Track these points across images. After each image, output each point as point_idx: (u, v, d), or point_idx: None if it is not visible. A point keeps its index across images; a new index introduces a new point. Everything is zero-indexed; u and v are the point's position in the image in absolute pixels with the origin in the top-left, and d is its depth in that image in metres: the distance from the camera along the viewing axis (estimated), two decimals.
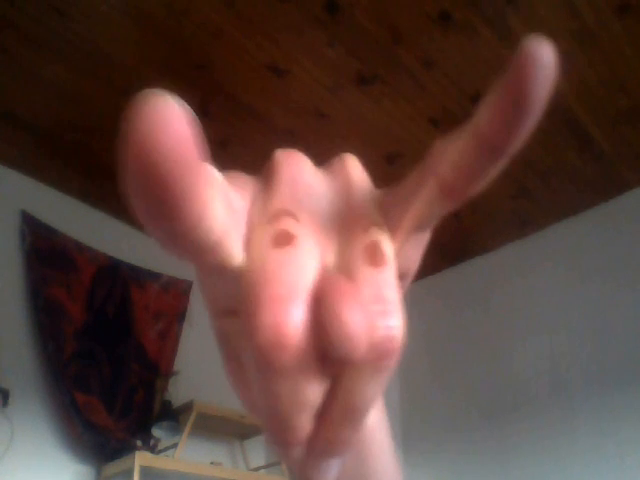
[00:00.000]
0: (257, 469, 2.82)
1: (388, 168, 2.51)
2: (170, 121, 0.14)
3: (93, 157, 2.44)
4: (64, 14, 1.93)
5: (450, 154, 0.18)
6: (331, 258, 0.19)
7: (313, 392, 0.18)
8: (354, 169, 0.22)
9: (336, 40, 2.04)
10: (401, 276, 0.20)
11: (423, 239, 0.21)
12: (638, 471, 2.27)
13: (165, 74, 2.14)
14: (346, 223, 0.20)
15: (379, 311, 0.18)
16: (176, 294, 2.83)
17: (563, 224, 2.80)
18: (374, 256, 0.19)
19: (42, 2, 1.90)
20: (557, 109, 2.27)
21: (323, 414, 0.19)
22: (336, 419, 0.19)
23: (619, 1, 1.92)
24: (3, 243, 2.37)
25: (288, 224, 0.19)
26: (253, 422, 2.65)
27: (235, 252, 0.18)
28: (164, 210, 0.15)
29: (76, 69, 2.10)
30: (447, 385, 2.96)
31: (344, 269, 0.19)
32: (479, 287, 3.01)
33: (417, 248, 0.21)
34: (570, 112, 2.27)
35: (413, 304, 3.02)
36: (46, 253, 2.44)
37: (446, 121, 2.34)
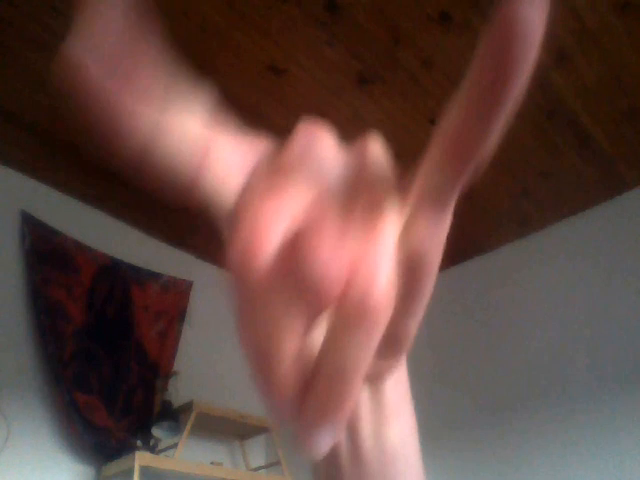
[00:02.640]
0: (257, 469, 2.82)
1: None
2: (76, 74, 0.16)
3: (93, 157, 2.44)
4: (64, 14, 1.93)
5: (452, 116, 0.18)
6: (331, 214, 0.19)
7: (290, 330, 0.17)
8: (374, 148, 0.22)
9: (336, 40, 2.04)
10: (413, 262, 0.20)
11: (439, 223, 0.20)
12: (638, 470, 2.27)
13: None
14: (354, 188, 0.20)
15: (362, 264, 0.17)
16: (176, 294, 2.83)
17: (563, 224, 2.80)
18: (373, 219, 0.18)
19: (42, 2, 1.90)
20: (557, 109, 2.27)
21: (312, 376, 0.18)
22: (322, 383, 0.18)
23: (619, 1, 1.92)
24: (3, 243, 2.37)
25: (288, 178, 0.19)
26: (253, 422, 2.65)
27: (225, 190, 0.19)
28: (106, 138, 0.17)
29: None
30: (448, 384, 2.96)
31: (341, 223, 0.19)
32: (479, 287, 3.01)
33: (432, 230, 0.20)
34: (570, 112, 2.27)
35: None
36: (46, 253, 2.44)
37: None
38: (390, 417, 0.24)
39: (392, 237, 0.19)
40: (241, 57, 2.09)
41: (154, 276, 2.78)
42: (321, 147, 0.21)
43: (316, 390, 0.18)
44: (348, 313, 0.17)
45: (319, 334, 0.19)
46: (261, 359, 0.18)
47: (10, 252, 2.38)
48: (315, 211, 0.19)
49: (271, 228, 0.17)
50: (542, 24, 0.16)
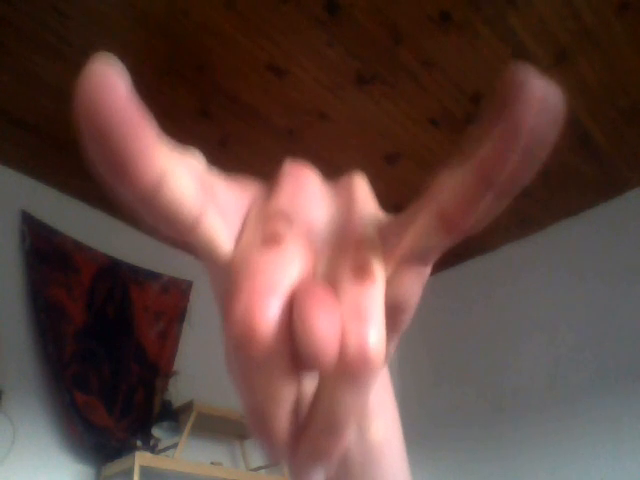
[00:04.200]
0: (257, 469, 2.82)
1: (388, 168, 2.51)
2: (110, 86, 0.15)
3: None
4: (64, 14, 1.93)
5: (451, 184, 0.18)
6: (320, 269, 0.20)
7: (289, 389, 0.18)
8: (360, 189, 0.22)
9: (336, 40, 2.04)
10: (396, 310, 0.21)
11: (421, 274, 0.21)
12: (638, 470, 2.27)
13: (165, 74, 2.14)
14: (341, 239, 0.20)
15: (356, 324, 0.18)
16: (176, 294, 2.83)
17: (563, 224, 2.80)
18: (361, 274, 0.19)
19: (42, 2, 1.90)
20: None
21: (305, 423, 0.19)
22: (315, 430, 0.19)
23: (619, 1, 1.92)
24: (3, 243, 2.37)
25: (279, 226, 0.19)
26: None
27: (220, 239, 0.19)
28: (117, 172, 0.16)
29: (76, 69, 2.10)
30: (447, 384, 2.96)
31: (330, 281, 0.19)
32: (479, 287, 3.01)
33: (414, 281, 0.21)
34: (570, 112, 2.27)
35: None
36: (46, 253, 2.44)
37: (446, 121, 2.34)
38: (373, 415, 0.24)
39: (381, 290, 0.19)
40: (241, 57, 2.09)
41: (154, 276, 2.78)
42: (310, 186, 0.22)
43: (309, 438, 0.19)
44: (344, 369, 0.18)
45: (310, 382, 0.19)
46: (260, 418, 0.19)
47: (10, 252, 2.38)
48: (308, 270, 0.19)
49: (271, 298, 0.17)
50: (561, 106, 0.16)
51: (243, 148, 2.42)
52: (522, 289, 2.84)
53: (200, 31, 2.00)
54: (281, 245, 0.19)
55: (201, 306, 2.83)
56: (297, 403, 0.19)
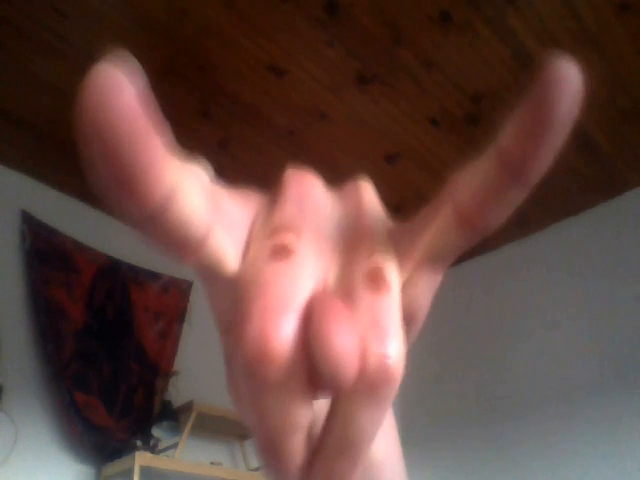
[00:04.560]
0: (257, 469, 2.82)
1: (388, 168, 2.51)
2: (118, 92, 0.14)
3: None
4: (64, 14, 1.93)
5: (469, 179, 0.17)
6: (332, 279, 0.19)
7: (303, 413, 0.17)
8: (367, 194, 0.21)
9: (336, 40, 2.04)
10: (408, 318, 0.19)
11: (434, 280, 0.20)
12: (637, 471, 2.27)
13: (165, 74, 2.14)
14: (352, 246, 0.19)
15: (374, 337, 0.17)
16: (176, 294, 2.83)
17: (563, 224, 2.80)
18: (376, 281, 0.18)
19: (42, 2, 1.90)
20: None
21: (319, 446, 0.18)
22: (331, 452, 0.18)
23: (619, 1, 1.92)
24: (3, 243, 2.37)
25: (288, 239, 0.18)
26: None
27: (227, 256, 0.18)
28: (123, 188, 0.15)
29: (76, 69, 2.10)
30: (447, 384, 2.96)
31: (344, 292, 0.18)
32: (479, 287, 3.01)
33: (427, 289, 0.20)
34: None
35: None
36: (46, 253, 2.44)
37: (446, 121, 2.34)
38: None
39: (397, 298, 0.18)
40: (241, 57, 2.09)
41: (154, 276, 2.78)
42: (315, 194, 0.21)
43: (324, 461, 0.18)
44: (364, 386, 0.17)
45: (320, 402, 0.18)
46: (273, 446, 0.17)
47: (10, 252, 2.38)
48: (321, 281, 0.18)
49: (285, 315, 0.16)
50: (581, 87, 0.16)
51: (244, 148, 2.42)
52: (522, 289, 2.84)
53: (200, 31, 2.00)
54: (291, 257, 0.18)
55: (201, 306, 2.82)
56: (311, 429, 0.18)
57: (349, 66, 2.13)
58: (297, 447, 0.17)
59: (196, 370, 2.74)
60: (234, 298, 0.18)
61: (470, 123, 2.34)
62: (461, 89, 2.21)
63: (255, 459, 2.89)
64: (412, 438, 2.83)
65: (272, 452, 0.17)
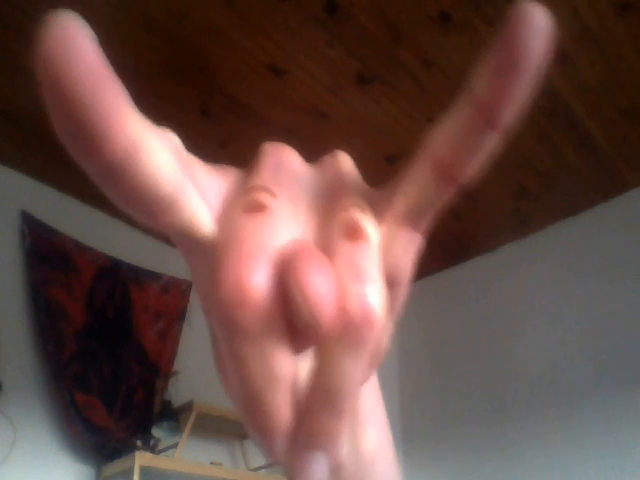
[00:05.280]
0: (257, 469, 2.82)
1: (388, 168, 2.51)
2: (75, 39, 0.14)
3: None
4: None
5: (445, 129, 0.18)
6: (309, 236, 0.19)
7: (284, 365, 0.17)
8: (345, 163, 0.22)
9: (336, 40, 2.04)
10: (390, 281, 0.19)
11: (414, 240, 0.19)
12: (638, 471, 2.27)
13: (165, 74, 2.14)
14: (329, 207, 0.19)
15: (353, 279, 0.17)
16: (176, 294, 2.83)
17: (563, 224, 2.80)
18: (353, 231, 0.18)
19: (42, 2, 1.90)
20: (557, 109, 2.27)
21: (305, 402, 0.18)
22: (316, 405, 0.17)
23: (619, 1, 1.92)
24: (3, 243, 2.37)
25: (262, 196, 0.18)
26: None
27: (201, 220, 0.18)
28: (84, 138, 0.14)
29: None
30: (447, 384, 2.96)
31: (321, 245, 0.18)
32: (479, 287, 3.01)
33: (407, 249, 0.19)
34: (570, 112, 2.27)
35: (413, 304, 3.02)
36: (46, 253, 2.44)
37: None
38: (365, 423, 0.23)
39: (376, 250, 0.18)
40: (241, 57, 2.09)
41: (154, 276, 2.78)
42: (291, 162, 0.21)
43: (309, 417, 0.17)
44: (345, 331, 0.17)
45: (305, 365, 0.18)
46: (256, 404, 0.17)
47: (10, 252, 2.38)
48: (296, 236, 0.18)
49: (258, 259, 0.16)
50: (548, 23, 0.16)
51: (243, 148, 2.42)
52: (522, 289, 2.84)
53: (200, 31, 2.00)
54: (265, 212, 0.17)
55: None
56: (294, 387, 0.17)
57: (349, 66, 2.13)
58: (282, 403, 0.17)
59: (196, 370, 2.74)
60: (210, 257, 0.17)
61: None
62: (461, 89, 2.21)
63: (255, 459, 2.90)
64: (412, 438, 2.83)
65: (256, 409, 0.17)
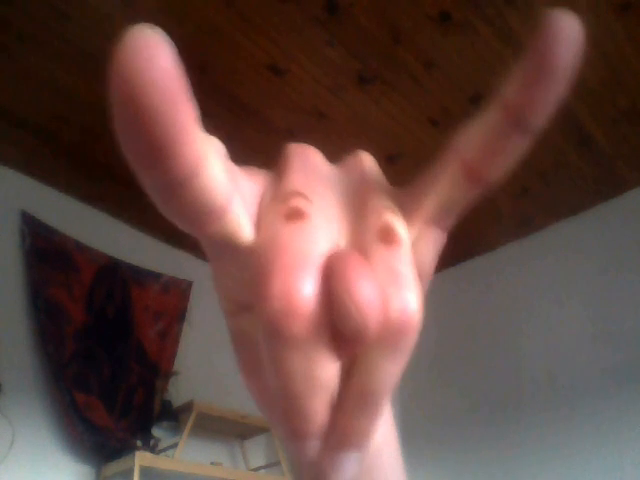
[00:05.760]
0: (257, 469, 2.82)
1: (388, 168, 2.50)
2: (154, 55, 0.14)
3: (93, 157, 2.44)
4: (64, 14, 1.93)
5: (474, 132, 0.18)
6: (344, 241, 0.19)
7: (326, 371, 0.17)
8: (369, 164, 0.22)
9: (336, 40, 2.04)
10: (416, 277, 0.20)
11: (439, 238, 0.20)
12: (638, 471, 2.27)
13: None
14: (359, 210, 0.20)
15: (394, 287, 0.17)
16: (176, 294, 2.83)
17: (563, 224, 2.80)
18: (388, 237, 0.18)
19: (42, 2, 1.90)
20: (557, 109, 2.27)
21: (339, 403, 0.18)
22: (352, 405, 0.18)
23: (619, 1, 1.92)
24: (3, 243, 2.37)
25: (300, 202, 0.18)
26: (253, 422, 2.65)
27: (244, 227, 0.18)
28: (154, 153, 0.15)
29: (76, 69, 2.10)
30: (448, 384, 2.96)
31: (358, 249, 0.18)
32: (479, 287, 3.01)
33: (432, 247, 0.20)
34: (570, 112, 2.27)
35: None
36: (46, 253, 2.44)
37: (446, 121, 2.34)
38: None
39: (409, 252, 0.19)
40: (241, 57, 2.09)
41: (154, 276, 2.78)
42: (318, 164, 0.21)
43: (343, 416, 0.18)
44: (386, 335, 0.17)
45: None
46: (296, 406, 0.17)
47: (10, 252, 2.38)
48: (335, 241, 0.18)
49: (306, 270, 0.16)
50: (580, 32, 0.17)
51: (244, 148, 2.42)
52: (522, 289, 2.84)
53: (200, 31, 2.00)
54: (305, 219, 0.18)
55: (201, 306, 2.83)
56: (333, 390, 0.18)
57: (349, 66, 2.13)
58: (320, 408, 0.18)
59: (196, 370, 2.74)
60: (252, 265, 0.18)
61: None
62: (461, 89, 2.21)
63: (255, 459, 2.90)
64: (412, 438, 2.83)
65: (295, 413, 0.17)
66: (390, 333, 0.17)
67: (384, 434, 0.24)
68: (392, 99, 2.26)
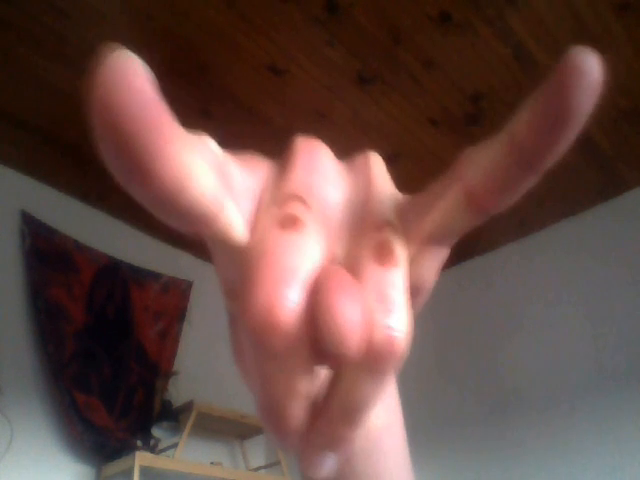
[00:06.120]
0: (257, 469, 2.82)
1: (388, 168, 2.51)
2: (130, 77, 0.14)
3: (93, 157, 2.44)
4: (64, 14, 1.93)
5: (481, 161, 0.17)
6: (339, 252, 0.19)
7: (307, 381, 0.17)
8: (377, 168, 0.22)
9: (336, 40, 2.04)
10: (414, 291, 0.20)
11: (441, 255, 0.20)
12: (638, 470, 2.27)
13: (165, 74, 2.13)
14: (360, 219, 0.20)
15: (381, 309, 0.17)
16: (176, 294, 2.83)
17: (563, 224, 2.80)
18: (384, 255, 0.18)
19: (42, 2, 1.90)
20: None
21: (322, 408, 0.18)
22: (333, 416, 0.18)
23: (619, 1, 1.91)
24: (3, 243, 2.37)
25: (297, 209, 0.18)
26: (253, 422, 2.65)
27: (236, 228, 0.18)
28: (135, 174, 0.15)
29: (76, 69, 2.10)
30: (447, 384, 2.96)
31: (351, 264, 0.18)
32: (479, 287, 3.01)
33: (434, 263, 0.20)
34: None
35: None
36: (46, 253, 2.44)
37: (446, 121, 2.34)
38: None
39: (404, 273, 0.18)
40: (241, 57, 2.09)
41: (154, 276, 2.78)
42: (324, 164, 0.21)
43: (325, 425, 0.18)
44: (368, 359, 0.17)
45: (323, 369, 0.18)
46: (274, 410, 0.18)
47: (10, 252, 2.38)
48: (328, 254, 0.18)
49: (292, 285, 0.16)
50: (601, 79, 0.16)
51: (243, 148, 2.42)
52: (522, 289, 2.84)
53: (200, 31, 2.00)
54: (299, 228, 0.18)
55: (201, 306, 2.83)
56: (313, 396, 0.18)
57: (349, 66, 2.12)
58: (298, 412, 0.18)
59: (196, 370, 2.74)
60: (241, 266, 0.18)
61: (470, 123, 2.34)
62: (461, 89, 2.21)
63: (255, 459, 2.90)
64: (412, 438, 2.83)
65: (273, 417, 0.18)
66: (372, 358, 0.17)
67: (385, 418, 0.24)
68: (392, 99, 2.26)
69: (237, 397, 2.45)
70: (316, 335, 0.16)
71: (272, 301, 0.16)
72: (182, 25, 1.98)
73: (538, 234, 2.86)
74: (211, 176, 0.17)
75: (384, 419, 0.24)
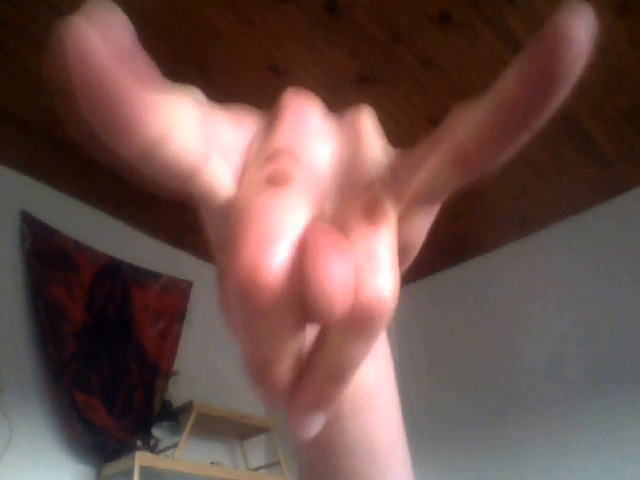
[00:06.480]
0: (257, 469, 2.82)
1: None
2: (81, 45, 0.14)
3: (93, 157, 2.44)
4: (64, 14, 1.93)
5: (469, 120, 0.17)
6: (328, 209, 0.19)
7: (295, 340, 0.17)
8: (368, 123, 0.21)
9: (336, 40, 2.04)
10: (403, 249, 0.19)
11: (431, 212, 0.20)
12: (638, 470, 2.27)
13: (165, 74, 2.13)
14: (350, 176, 0.19)
15: (368, 268, 0.17)
16: (176, 294, 2.83)
17: (563, 224, 2.80)
18: (373, 214, 0.18)
19: (42, 2, 1.90)
20: (557, 109, 2.27)
21: (308, 367, 0.18)
22: (320, 375, 0.18)
23: (619, 1, 1.91)
24: (3, 243, 2.37)
25: (286, 164, 0.18)
26: (253, 422, 2.65)
27: (222, 183, 0.18)
28: (112, 131, 0.15)
29: None
30: (447, 384, 2.96)
31: (339, 222, 0.18)
32: (479, 287, 3.01)
33: (423, 221, 0.20)
34: (570, 112, 2.27)
35: (413, 304, 3.02)
36: (46, 253, 2.44)
37: None
38: None
39: (393, 231, 0.18)
40: (241, 57, 2.09)
41: (154, 276, 2.78)
42: (313, 119, 0.21)
43: (311, 384, 0.18)
44: (355, 319, 0.17)
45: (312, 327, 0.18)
46: (261, 367, 0.18)
47: (10, 252, 2.38)
48: (317, 212, 0.18)
49: (278, 243, 0.16)
50: (591, 36, 0.15)
51: None
52: (522, 289, 2.84)
53: (200, 31, 2.00)
54: (287, 184, 0.17)
55: (201, 306, 2.82)
56: (299, 355, 0.18)
57: (349, 66, 2.13)
58: (285, 371, 0.18)
59: (196, 370, 2.74)
60: (229, 222, 0.17)
61: None
62: (461, 89, 2.21)
63: (255, 459, 2.90)
64: (412, 438, 2.83)
65: (260, 375, 0.18)
66: (359, 318, 0.17)
67: (374, 376, 0.24)
68: (392, 99, 2.26)
69: (237, 397, 2.44)
70: (303, 295, 0.16)
71: (258, 260, 0.16)
72: (182, 25, 1.98)
73: (538, 234, 2.86)
74: (195, 129, 0.17)
75: (373, 377, 0.24)
